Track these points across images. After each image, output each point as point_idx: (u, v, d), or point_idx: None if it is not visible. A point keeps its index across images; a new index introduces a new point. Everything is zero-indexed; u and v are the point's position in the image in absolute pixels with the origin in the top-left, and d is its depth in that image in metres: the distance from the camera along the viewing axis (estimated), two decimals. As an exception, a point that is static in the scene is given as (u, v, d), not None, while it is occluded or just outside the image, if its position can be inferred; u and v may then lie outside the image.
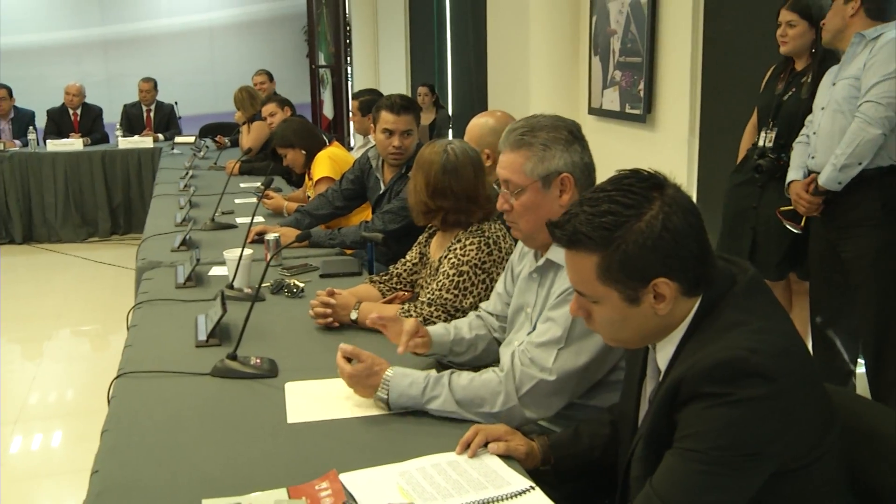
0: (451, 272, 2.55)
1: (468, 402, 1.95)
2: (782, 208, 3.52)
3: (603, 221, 1.42)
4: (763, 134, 3.66)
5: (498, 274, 2.54)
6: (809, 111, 3.46)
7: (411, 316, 2.51)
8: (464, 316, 2.50)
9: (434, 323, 2.49)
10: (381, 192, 3.83)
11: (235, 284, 2.94)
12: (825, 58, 3.50)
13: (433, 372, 2.05)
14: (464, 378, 1.97)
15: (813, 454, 1.40)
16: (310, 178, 4.61)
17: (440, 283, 2.56)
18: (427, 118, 8.68)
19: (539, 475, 1.74)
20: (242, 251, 2.93)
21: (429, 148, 2.73)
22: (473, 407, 1.94)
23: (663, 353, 1.49)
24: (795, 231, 3.49)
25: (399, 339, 2.20)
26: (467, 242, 2.58)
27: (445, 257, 2.62)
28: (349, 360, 2.04)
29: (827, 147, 3.25)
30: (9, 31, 10.72)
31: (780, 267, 3.70)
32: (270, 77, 8.02)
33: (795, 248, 3.66)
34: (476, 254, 2.55)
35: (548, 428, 2.10)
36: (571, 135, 2.05)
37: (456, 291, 2.53)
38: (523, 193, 2.02)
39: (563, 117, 2.12)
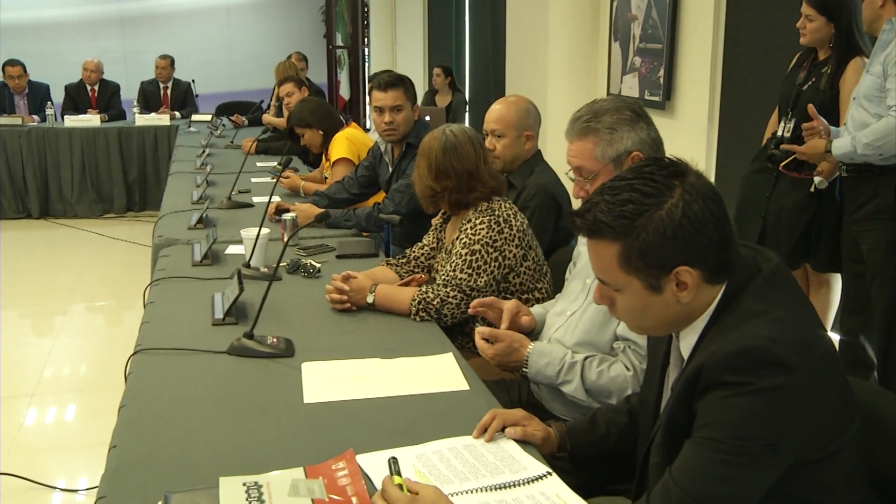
0: (464, 252, 2.56)
1: (597, 392, 2.06)
2: (783, 164, 3.55)
3: (623, 210, 1.41)
4: (782, 124, 3.63)
5: (510, 252, 2.56)
6: (827, 102, 3.45)
7: (428, 297, 2.52)
8: (479, 295, 2.52)
9: (451, 304, 2.51)
10: (390, 172, 3.87)
11: (252, 263, 2.95)
12: (847, 51, 3.47)
13: (568, 352, 2.12)
14: (594, 369, 2.06)
15: (832, 446, 1.39)
16: (327, 159, 4.61)
17: (454, 264, 2.57)
18: (443, 101, 8.66)
19: (555, 461, 1.75)
20: (260, 230, 2.93)
21: (428, 136, 2.76)
22: (602, 397, 2.06)
23: (687, 342, 1.49)
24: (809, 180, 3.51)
25: (500, 321, 2.28)
26: (477, 222, 2.59)
27: (458, 238, 2.63)
28: (488, 340, 2.15)
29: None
30: (27, 6, 10.72)
31: (790, 257, 3.68)
32: (306, 61, 8.08)
33: (808, 239, 3.64)
34: (487, 232, 2.56)
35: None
36: (634, 113, 2.10)
37: (469, 271, 2.54)
38: (597, 178, 2.07)
39: (623, 97, 2.15)
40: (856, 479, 1.45)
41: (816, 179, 3.51)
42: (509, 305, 2.29)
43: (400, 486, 1.46)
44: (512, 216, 2.61)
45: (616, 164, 2.07)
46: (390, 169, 3.88)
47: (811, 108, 3.33)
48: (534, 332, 2.35)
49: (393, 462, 1.53)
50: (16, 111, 8.05)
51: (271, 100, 7.55)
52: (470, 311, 2.38)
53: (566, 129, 2.16)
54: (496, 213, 2.60)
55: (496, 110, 3.21)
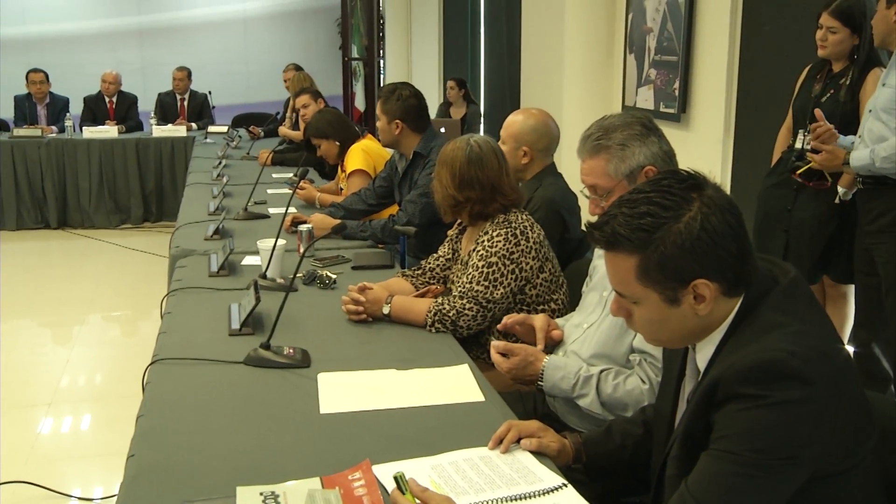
0: (481, 264, 2.56)
1: (612, 405, 2.05)
2: (799, 171, 3.51)
3: (641, 223, 1.42)
4: (800, 136, 3.61)
5: (527, 264, 2.56)
6: (848, 114, 3.43)
7: (444, 308, 2.53)
8: (496, 307, 2.53)
9: (467, 315, 2.51)
10: (399, 179, 3.94)
11: (268, 274, 2.96)
12: (867, 62, 3.46)
13: (584, 365, 2.11)
14: (609, 383, 2.06)
15: (850, 460, 1.38)
16: (342, 170, 4.62)
17: (470, 276, 2.57)
18: (458, 113, 8.68)
19: (571, 473, 1.74)
20: (276, 241, 2.95)
21: (450, 145, 2.76)
22: (617, 410, 2.05)
23: (703, 354, 1.49)
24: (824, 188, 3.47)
25: (529, 336, 2.29)
26: (494, 234, 2.59)
27: (474, 250, 2.63)
28: (504, 355, 2.15)
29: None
30: (47, 19, 10.85)
31: (812, 270, 3.66)
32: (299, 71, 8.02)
33: (828, 252, 3.62)
34: (504, 244, 2.56)
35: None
36: (645, 127, 2.10)
37: (486, 283, 2.54)
38: (612, 194, 2.07)
39: (632, 112, 2.15)
40: (874, 493, 1.44)
41: (840, 191, 3.49)
42: (540, 323, 2.29)
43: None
44: (529, 228, 2.62)
45: (630, 180, 2.07)
46: (400, 177, 3.95)
47: (818, 112, 3.32)
48: (557, 345, 2.35)
49: (400, 479, 1.50)
50: (37, 121, 8.15)
51: (285, 112, 7.58)
52: (500, 328, 2.38)
53: (577, 147, 2.16)
54: (513, 224, 2.60)
55: (508, 118, 3.27)
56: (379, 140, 4.05)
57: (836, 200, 3.52)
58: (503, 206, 2.66)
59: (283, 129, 7.15)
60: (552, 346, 2.31)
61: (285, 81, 7.97)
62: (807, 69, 3.75)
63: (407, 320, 2.58)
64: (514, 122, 3.22)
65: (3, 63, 10.02)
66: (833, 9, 3.48)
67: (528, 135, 3.18)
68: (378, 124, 3.88)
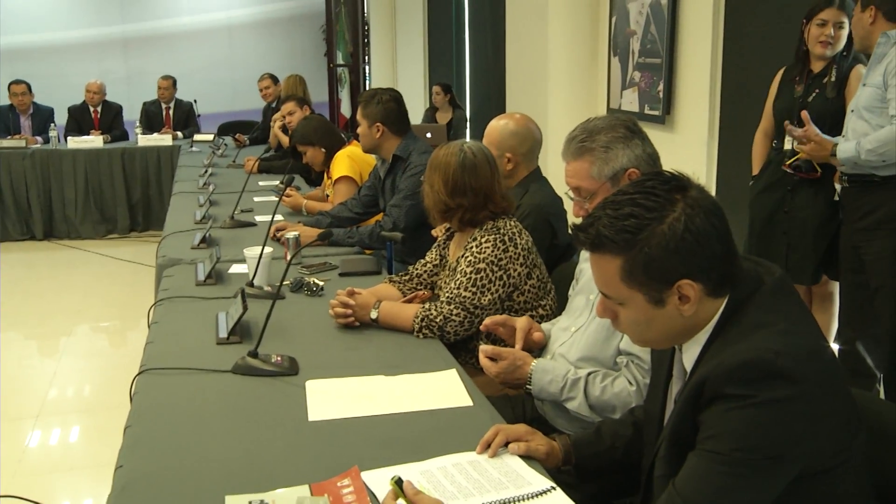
0: (469, 270, 2.56)
1: (601, 408, 2.07)
2: (789, 161, 3.52)
3: (625, 224, 1.42)
4: (788, 138, 3.60)
5: (515, 270, 2.56)
6: (838, 111, 3.44)
7: (431, 314, 2.52)
8: (483, 313, 2.53)
9: (455, 321, 2.51)
10: (381, 185, 3.96)
11: (255, 282, 2.95)
12: (855, 57, 3.48)
13: (571, 368, 2.12)
14: (597, 385, 2.07)
15: (838, 458, 1.39)
16: (329, 177, 4.62)
17: (458, 282, 2.57)
18: (444, 118, 8.69)
19: (560, 475, 1.75)
20: (263, 249, 2.94)
21: (443, 150, 2.75)
22: (606, 413, 2.06)
23: (689, 354, 1.49)
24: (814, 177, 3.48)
25: (512, 338, 2.31)
26: (483, 240, 2.59)
27: (463, 256, 2.63)
28: (493, 359, 2.17)
29: None
30: (31, 29, 10.80)
31: (815, 271, 3.66)
32: (275, 80, 7.98)
33: (828, 249, 3.61)
34: (492, 251, 2.56)
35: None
36: (629, 130, 2.12)
37: (474, 289, 2.54)
38: (596, 196, 2.09)
39: (617, 115, 2.17)
40: (861, 491, 1.45)
41: (838, 187, 3.48)
42: (522, 324, 2.30)
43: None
44: (517, 235, 2.62)
45: (613, 183, 2.09)
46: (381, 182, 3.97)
47: (805, 114, 3.33)
48: (544, 349, 2.36)
49: (397, 483, 1.51)
50: (21, 131, 8.11)
51: (265, 120, 7.49)
52: (482, 328, 2.39)
53: (562, 149, 2.18)
54: (501, 231, 2.61)
55: (488, 126, 3.26)
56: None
57: (836, 197, 3.51)
58: (493, 213, 2.66)
59: (277, 132, 7.04)
60: (537, 349, 2.31)
61: (261, 91, 7.94)
62: (781, 72, 3.76)
63: (394, 325, 2.58)
64: (493, 129, 3.21)
65: (-14, 73, 9.99)
66: (840, 3, 3.48)
67: (508, 140, 3.18)
68: (359, 130, 3.90)
